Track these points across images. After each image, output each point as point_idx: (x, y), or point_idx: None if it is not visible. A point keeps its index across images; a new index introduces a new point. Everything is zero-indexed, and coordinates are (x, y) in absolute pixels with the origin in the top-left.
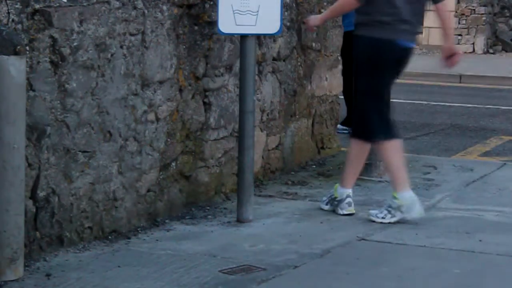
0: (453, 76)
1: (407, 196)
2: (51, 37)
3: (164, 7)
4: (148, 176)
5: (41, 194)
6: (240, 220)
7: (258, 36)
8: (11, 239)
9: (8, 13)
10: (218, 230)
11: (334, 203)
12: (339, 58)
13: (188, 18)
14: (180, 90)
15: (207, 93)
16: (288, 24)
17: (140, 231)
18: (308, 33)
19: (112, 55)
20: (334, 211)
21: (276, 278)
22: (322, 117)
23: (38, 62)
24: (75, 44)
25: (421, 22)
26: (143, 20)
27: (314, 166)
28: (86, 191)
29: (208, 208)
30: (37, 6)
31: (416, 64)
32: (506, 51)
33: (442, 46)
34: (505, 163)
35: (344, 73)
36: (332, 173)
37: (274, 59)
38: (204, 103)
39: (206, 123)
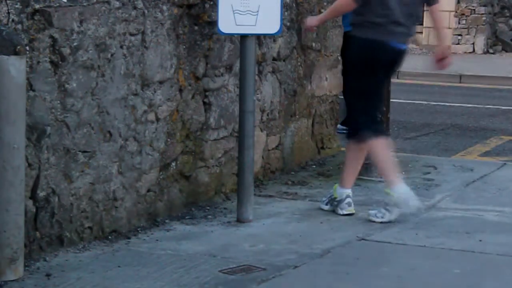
0: (453, 76)
1: (400, 190)
2: (51, 37)
3: (164, 7)
4: (148, 176)
5: (41, 194)
6: (240, 220)
7: (258, 36)
8: (11, 239)
9: (8, 13)
10: (218, 230)
11: (334, 203)
12: (339, 58)
13: (188, 18)
14: (180, 90)
15: (207, 93)
16: (288, 24)
17: (140, 231)
18: (308, 33)
19: (112, 55)
20: (334, 211)
21: (276, 278)
22: (322, 117)
23: (38, 62)
24: (75, 44)
25: (414, 24)
26: (143, 20)
27: (314, 166)
28: (86, 191)
29: (208, 208)
30: (37, 6)
31: (416, 64)
32: (506, 51)
33: (436, 48)
34: (505, 163)
35: (344, 73)
36: (332, 173)
37: (274, 59)
38: (204, 103)
39: (206, 123)
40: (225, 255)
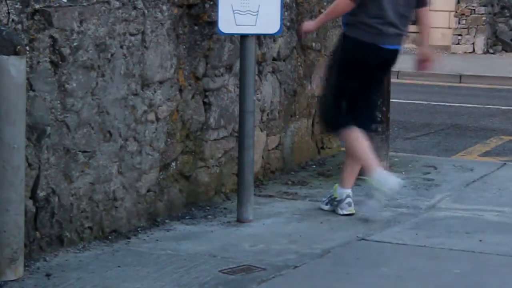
0: (453, 76)
1: (377, 175)
2: (51, 37)
3: (164, 7)
4: (148, 176)
5: (41, 194)
6: (240, 220)
7: (258, 36)
8: (11, 239)
9: (8, 13)
10: (218, 230)
11: (334, 203)
12: None
13: (188, 18)
14: (180, 90)
15: (207, 93)
16: (288, 24)
17: (140, 231)
18: (308, 33)
19: (112, 55)
20: (334, 211)
21: (276, 278)
22: None
23: (38, 62)
24: (75, 44)
25: (407, 25)
26: (143, 20)
27: (314, 166)
28: (86, 191)
29: (208, 208)
30: (37, 6)
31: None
32: (506, 51)
33: (418, 49)
34: (505, 163)
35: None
36: (332, 173)
37: (274, 59)
38: (204, 103)
39: (206, 123)
40: (225, 255)
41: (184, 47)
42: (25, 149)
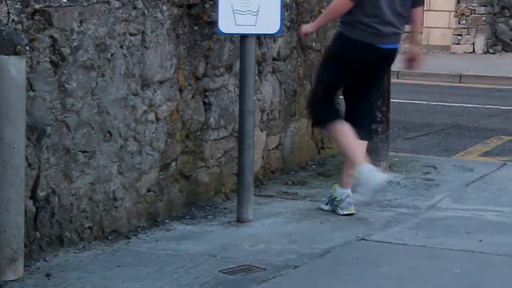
0: (453, 76)
1: (364, 168)
2: (51, 37)
3: (164, 7)
4: (148, 176)
5: (41, 194)
6: (240, 220)
7: (258, 36)
8: (11, 239)
9: (8, 13)
10: (218, 230)
11: (334, 203)
12: None
13: (188, 18)
14: (180, 90)
15: (207, 93)
16: (288, 24)
17: (140, 231)
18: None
19: (112, 55)
20: (334, 211)
21: (276, 278)
22: None
23: (38, 62)
24: (75, 44)
25: (404, 24)
26: (143, 20)
27: (314, 166)
28: (86, 191)
29: (208, 208)
30: (37, 6)
31: None
32: (506, 51)
33: (408, 49)
34: (505, 163)
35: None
36: (332, 173)
37: (274, 59)
38: (204, 103)
39: (206, 123)
40: (225, 255)
41: (184, 47)
42: (25, 149)
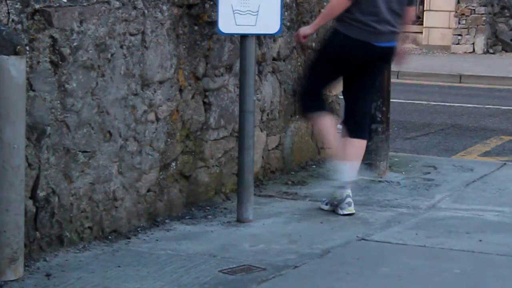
0: (453, 76)
1: (338, 165)
2: (51, 37)
3: (164, 7)
4: (148, 176)
5: (41, 194)
6: (240, 220)
7: (258, 36)
8: (11, 239)
9: (8, 13)
10: (218, 230)
11: (334, 203)
12: None
13: (188, 18)
14: (180, 90)
15: (207, 93)
16: (288, 24)
17: (140, 231)
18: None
19: (112, 55)
20: (334, 211)
21: (276, 278)
22: None
23: (38, 62)
24: (75, 44)
25: (400, 23)
26: (143, 20)
27: (314, 166)
28: (86, 191)
29: (208, 208)
30: (37, 6)
31: (416, 64)
32: (506, 51)
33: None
34: (505, 163)
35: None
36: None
37: (274, 59)
38: (204, 103)
39: (206, 123)
40: (225, 255)
41: (184, 47)
42: (25, 149)
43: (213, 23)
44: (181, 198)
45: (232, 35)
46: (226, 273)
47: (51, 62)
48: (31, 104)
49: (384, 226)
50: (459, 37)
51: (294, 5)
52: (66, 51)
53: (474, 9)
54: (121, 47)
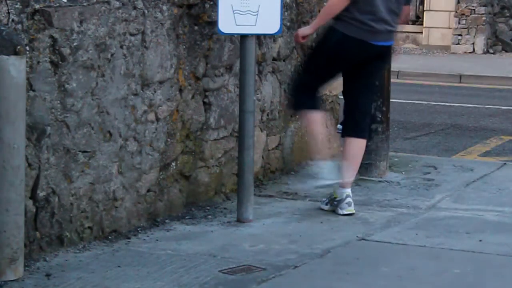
0: (453, 76)
1: (322, 164)
2: (51, 37)
3: (164, 7)
4: (148, 176)
5: (41, 194)
6: (240, 220)
7: (258, 36)
8: (11, 239)
9: (8, 13)
10: (218, 230)
11: (334, 203)
12: None
13: (188, 18)
14: (180, 90)
15: (207, 93)
16: (288, 24)
17: (140, 231)
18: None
19: (112, 55)
20: (334, 211)
21: (276, 278)
22: None
23: (38, 62)
24: (75, 44)
25: (397, 22)
26: (143, 20)
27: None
28: (86, 191)
29: (208, 208)
30: (37, 6)
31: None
32: (506, 51)
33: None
34: (505, 163)
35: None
36: None
37: (274, 59)
38: (204, 103)
39: (206, 123)
40: (225, 255)
41: (184, 47)
42: (25, 149)
43: (213, 23)
44: (181, 198)
45: (232, 35)
46: (226, 273)
47: (51, 62)
48: (31, 104)
49: (384, 226)
50: (459, 37)
51: (294, 5)
52: (66, 51)
53: (474, 9)
54: (121, 47)
